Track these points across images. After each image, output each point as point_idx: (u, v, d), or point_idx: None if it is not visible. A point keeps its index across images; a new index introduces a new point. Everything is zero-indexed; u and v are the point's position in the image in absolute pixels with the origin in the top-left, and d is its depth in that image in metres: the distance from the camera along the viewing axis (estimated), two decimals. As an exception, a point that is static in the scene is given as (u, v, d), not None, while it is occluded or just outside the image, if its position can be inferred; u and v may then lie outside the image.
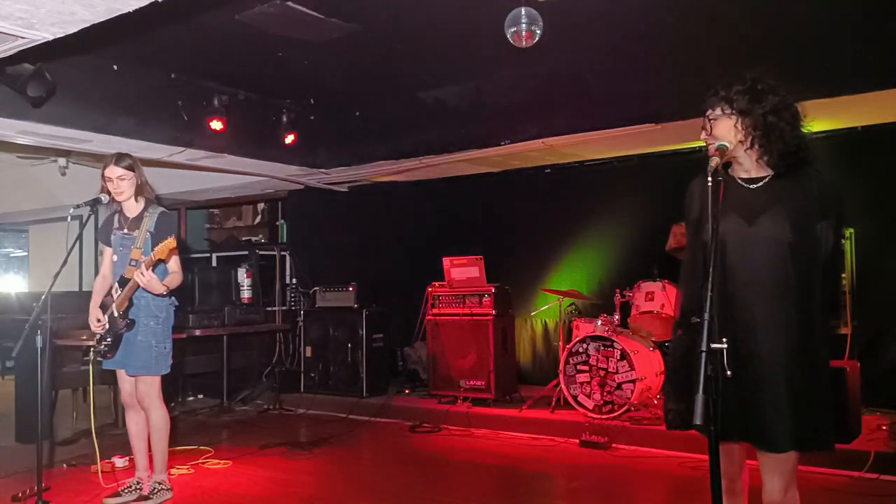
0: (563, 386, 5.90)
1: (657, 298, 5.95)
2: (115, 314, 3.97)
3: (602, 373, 5.72)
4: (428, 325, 6.89)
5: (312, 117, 6.66)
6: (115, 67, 5.34)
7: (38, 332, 3.68)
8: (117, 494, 4.10)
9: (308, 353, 7.62)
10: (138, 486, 4.13)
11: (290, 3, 4.32)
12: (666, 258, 5.85)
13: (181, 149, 6.30)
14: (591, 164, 7.28)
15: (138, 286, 3.83)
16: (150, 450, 4.15)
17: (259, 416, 6.95)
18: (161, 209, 4.10)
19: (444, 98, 6.15)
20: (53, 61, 4.82)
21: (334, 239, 8.73)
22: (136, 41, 4.84)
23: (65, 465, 4.95)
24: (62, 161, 8.49)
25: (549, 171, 7.53)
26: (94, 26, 3.35)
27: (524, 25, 4.30)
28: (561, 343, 6.38)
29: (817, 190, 2.29)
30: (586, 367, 5.81)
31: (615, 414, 5.62)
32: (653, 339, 6.10)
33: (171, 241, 3.70)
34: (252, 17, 4.50)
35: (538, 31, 4.34)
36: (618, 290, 6.27)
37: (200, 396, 7.74)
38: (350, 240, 8.64)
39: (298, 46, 5.00)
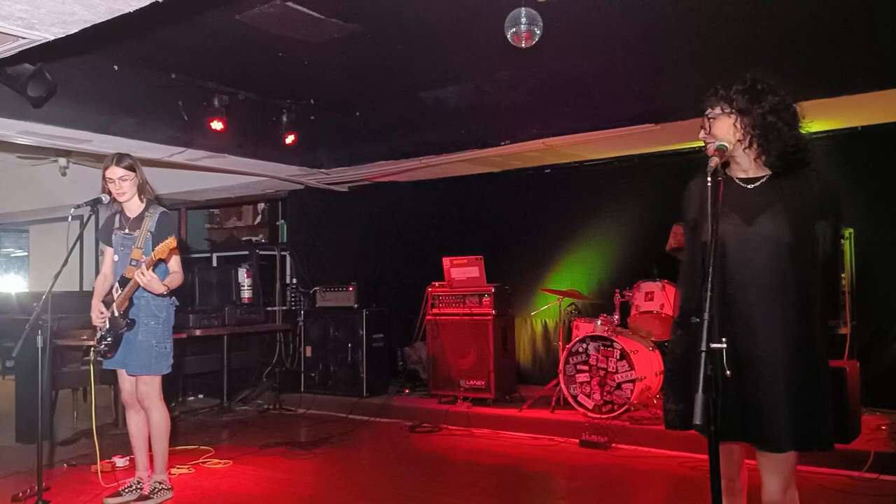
0: (562, 386, 5.91)
1: (657, 298, 5.96)
2: (116, 314, 3.97)
3: (602, 372, 5.72)
4: (428, 325, 6.89)
5: (312, 117, 6.66)
6: (116, 67, 5.34)
7: (39, 331, 3.68)
8: (118, 494, 4.11)
9: (308, 353, 7.63)
10: (139, 486, 4.14)
11: (290, 4, 4.32)
12: (665, 258, 5.86)
13: (181, 149, 6.30)
14: (591, 164, 7.28)
15: (139, 286, 3.84)
16: (150, 449, 4.16)
17: (259, 415, 6.96)
18: (162, 209, 4.10)
19: (444, 98, 6.15)
20: (54, 61, 4.83)
21: (334, 239, 8.74)
22: (136, 41, 4.85)
23: (65, 465, 4.96)
24: (63, 161, 8.50)
25: (549, 171, 7.53)
26: (94, 26, 3.35)
27: (524, 26, 4.30)
28: (561, 343, 6.39)
29: (816, 189, 2.29)
30: (586, 367, 5.81)
31: (615, 414, 5.62)
32: (652, 338, 6.11)
33: (171, 241, 3.71)
34: (252, 17, 4.51)
35: (538, 32, 4.34)
36: (617, 290, 6.28)
37: (201, 396, 7.75)
38: (350, 240, 8.65)
39: (298, 46, 5.01)
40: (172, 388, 6.71)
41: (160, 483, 4.11)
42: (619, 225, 7.05)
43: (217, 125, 5.91)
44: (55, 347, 5.75)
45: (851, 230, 5.48)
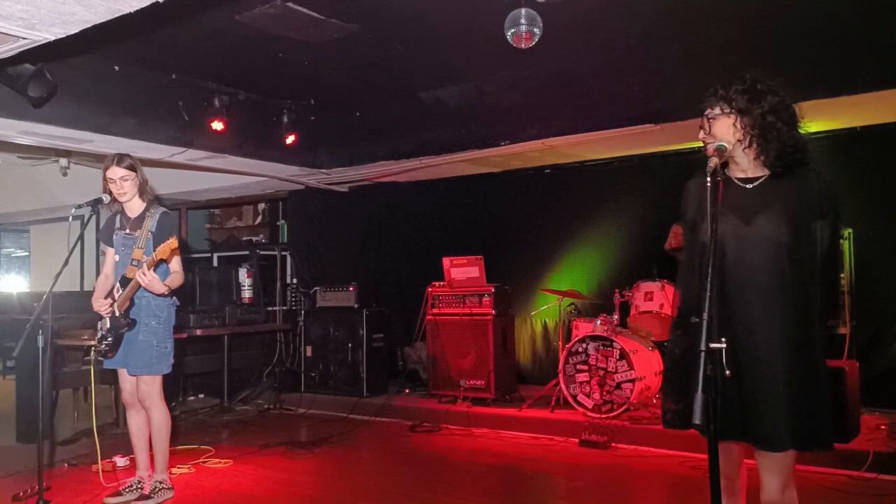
0: (562, 385, 5.91)
1: (656, 298, 5.97)
2: (117, 314, 3.98)
3: (601, 372, 5.73)
4: (428, 324, 6.90)
5: (312, 117, 6.66)
6: (116, 68, 5.35)
7: (40, 331, 3.68)
8: (118, 494, 4.12)
9: (308, 353, 7.64)
10: (139, 486, 4.15)
11: (290, 4, 4.33)
12: (665, 258, 5.86)
13: (182, 149, 6.31)
14: (591, 164, 7.28)
15: (140, 286, 3.84)
16: (151, 449, 4.16)
17: (259, 415, 6.96)
18: (163, 209, 4.11)
19: (444, 98, 6.16)
20: (54, 62, 4.83)
21: (334, 239, 8.75)
22: (137, 41, 4.85)
23: (66, 465, 4.96)
24: (63, 161, 8.50)
25: (549, 171, 7.54)
26: (94, 27, 3.36)
27: (524, 26, 4.31)
28: (560, 343, 6.39)
29: (815, 189, 2.30)
30: (586, 367, 5.82)
31: (614, 413, 5.63)
32: (652, 338, 6.12)
33: (172, 241, 3.72)
34: (252, 17, 4.51)
35: (538, 32, 4.35)
36: (617, 290, 6.29)
37: (201, 396, 7.75)
38: (350, 240, 8.65)
39: (298, 47, 5.01)
40: (173, 388, 6.72)
41: (161, 482, 4.11)
42: (619, 225, 7.06)
43: (217, 125, 5.92)
44: (56, 347, 5.76)
45: (851, 230, 5.48)
